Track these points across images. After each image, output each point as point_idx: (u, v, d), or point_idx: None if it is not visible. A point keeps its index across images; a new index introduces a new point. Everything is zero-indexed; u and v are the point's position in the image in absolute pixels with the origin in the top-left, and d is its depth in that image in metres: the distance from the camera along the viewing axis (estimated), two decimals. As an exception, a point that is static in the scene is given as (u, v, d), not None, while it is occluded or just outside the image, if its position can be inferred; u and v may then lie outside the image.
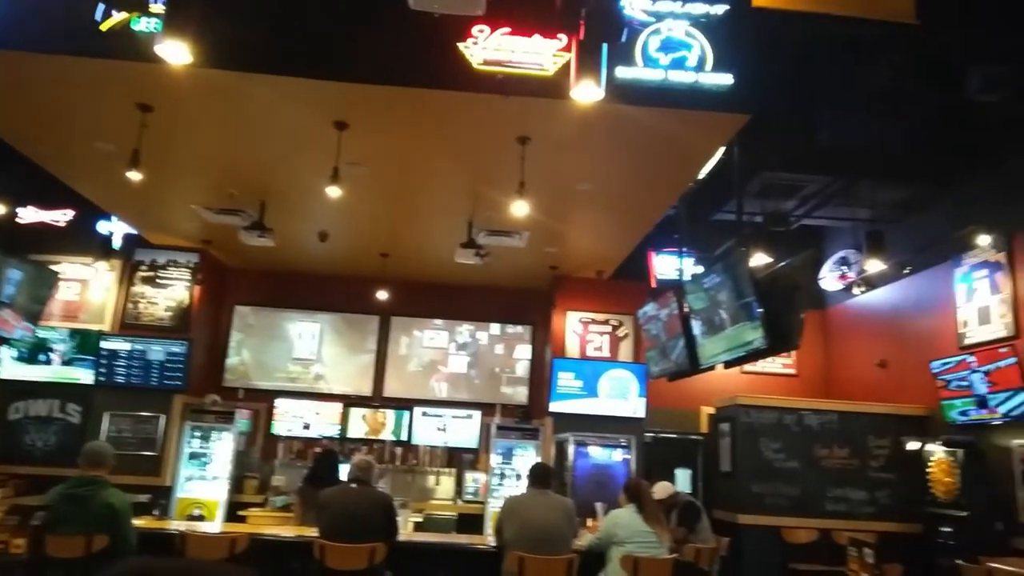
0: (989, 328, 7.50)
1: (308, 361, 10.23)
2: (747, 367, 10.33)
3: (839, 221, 9.48)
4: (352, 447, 9.16)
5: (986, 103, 5.60)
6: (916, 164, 7.77)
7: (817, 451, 8.38)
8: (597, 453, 8.65)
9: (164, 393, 8.83)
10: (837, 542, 7.66)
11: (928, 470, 7.63)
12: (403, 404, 9.86)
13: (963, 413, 7.63)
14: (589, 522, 6.52)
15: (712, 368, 6.76)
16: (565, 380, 9.24)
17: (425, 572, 5.56)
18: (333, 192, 5.80)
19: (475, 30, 5.03)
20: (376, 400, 10.01)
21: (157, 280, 9.29)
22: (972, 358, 7.46)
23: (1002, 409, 7.10)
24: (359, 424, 9.57)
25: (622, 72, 5.12)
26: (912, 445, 8.00)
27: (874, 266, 8.38)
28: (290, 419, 9.75)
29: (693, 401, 10.18)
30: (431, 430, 9.66)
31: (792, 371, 10.74)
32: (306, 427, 9.71)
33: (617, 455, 8.75)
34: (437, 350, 10.40)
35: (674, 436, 9.64)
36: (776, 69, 6.02)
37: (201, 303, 9.35)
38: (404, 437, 9.56)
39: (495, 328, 10.50)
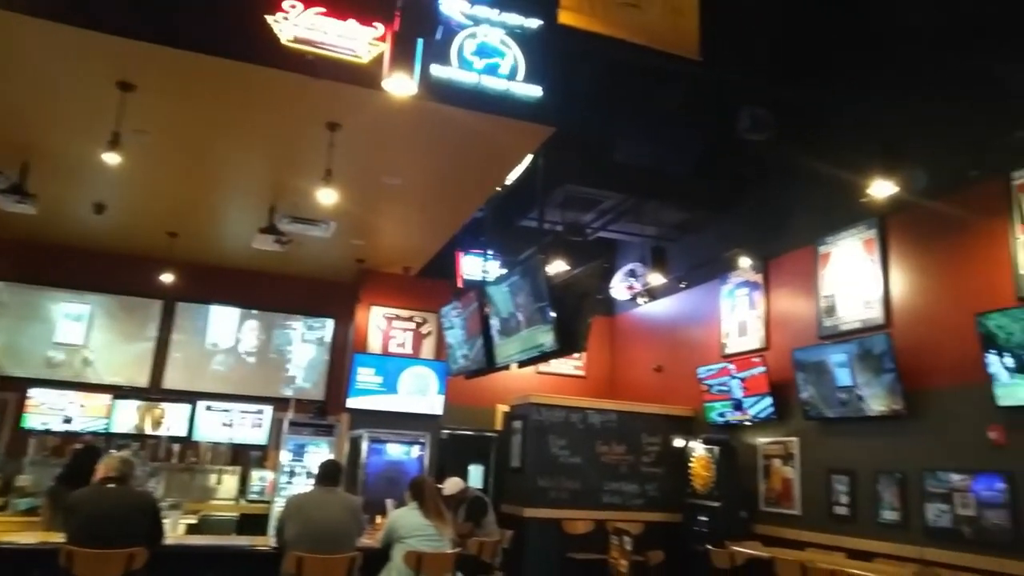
0: (746, 340, 8.53)
1: (73, 347, 9.15)
2: (541, 368, 10.85)
3: (630, 236, 10.27)
4: (122, 444, 8.31)
5: (754, 141, 6.37)
6: (695, 189, 8.63)
7: (598, 447, 8.99)
8: (392, 450, 8.60)
9: None
10: (610, 532, 8.27)
11: (690, 465, 8.49)
12: (185, 397, 9.15)
13: (721, 414, 8.59)
14: (379, 519, 6.47)
15: (507, 367, 7.00)
16: (365, 375, 9.09)
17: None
18: (111, 159, 5.24)
19: (286, 4, 4.81)
20: (154, 392, 9.18)
21: None
22: (731, 366, 8.42)
23: (752, 411, 8.10)
24: (130, 418, 8.72)
25: (437, 71, 5.15)
26: (678, 443, 8.87)
27: (656, 279, 9.19)
28: (46, 411, 8.65)
29: (490, 399, 10.48)
30: (215, 425, 9.06)
31: (582, 373, 11.45)
32: (67, 421, 8.67)
33: (413, 452, 8.77)
34: (227, 340, 9.77)
35: (470, 433, 9.86)
36: (581, 87, 6.41)
37: (-63, 274, 8.01)
38: (184, 433, 8.86)
39: (293, 320, 10.09)
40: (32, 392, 8.67)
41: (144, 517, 4.43)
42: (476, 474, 9.56)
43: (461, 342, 7.91)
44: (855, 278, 7.06)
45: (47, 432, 8.50)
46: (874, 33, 5.46)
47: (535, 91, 5.41)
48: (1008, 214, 5.67)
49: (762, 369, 7.92)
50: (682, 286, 9.35)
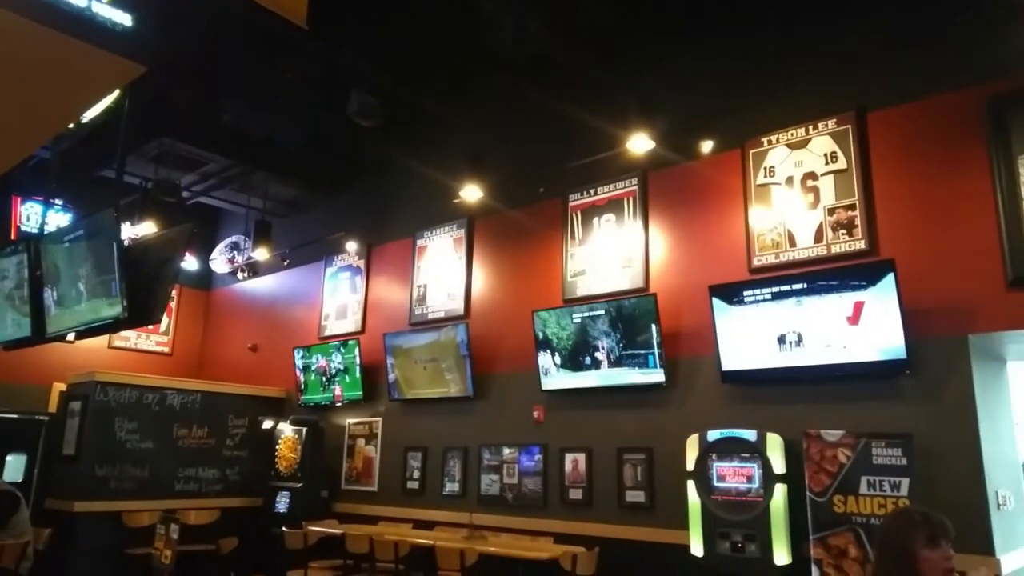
0: (345, 322, 8.67)
1: None
2: (116, 342, 9.61)
3: (235, 206, 9.65)
4: None
5: (365, 128, 6.47)
6: (307, 167, 8.48)
7: (177, 431, 8.24)
8: None
9: None
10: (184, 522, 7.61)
11: (277, 448, 8.30)
12: None
13: (313, 396, 8.58)
14: None
15: (62, 338, 5.95)
16: None
17: None
18: None
19: None
20: None
21: None
22: (328, 347, 8.44)
23: (342, 393, 8.25)
24: None
25: (-15, -40, 4.11)
26: (267, 424, 8.59)
27: (261, 254, 8.79)
28: None
29: (46, 376, 8.91)
30: None
31: (167, 350, 10.41)
32: None
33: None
34: None
35: (13, 416, 8.21)
36: (187, 32, 5.76)
37: None
38: None
39: None
40: None
41: None
42: (16, 465, 8.00)
43: (2, 304, 6.48)
44: (444, 271, 7.69)
45: None
46: (475, 48, 6.00)
47: (123, 18, 4.63)
48: (562, 230, 6.74)
49: (356, 351, 8.12)
50: (285, 264, 9.10)
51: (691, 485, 5.10)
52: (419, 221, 8.04)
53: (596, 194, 6.58)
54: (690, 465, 5.13)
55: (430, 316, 7.67)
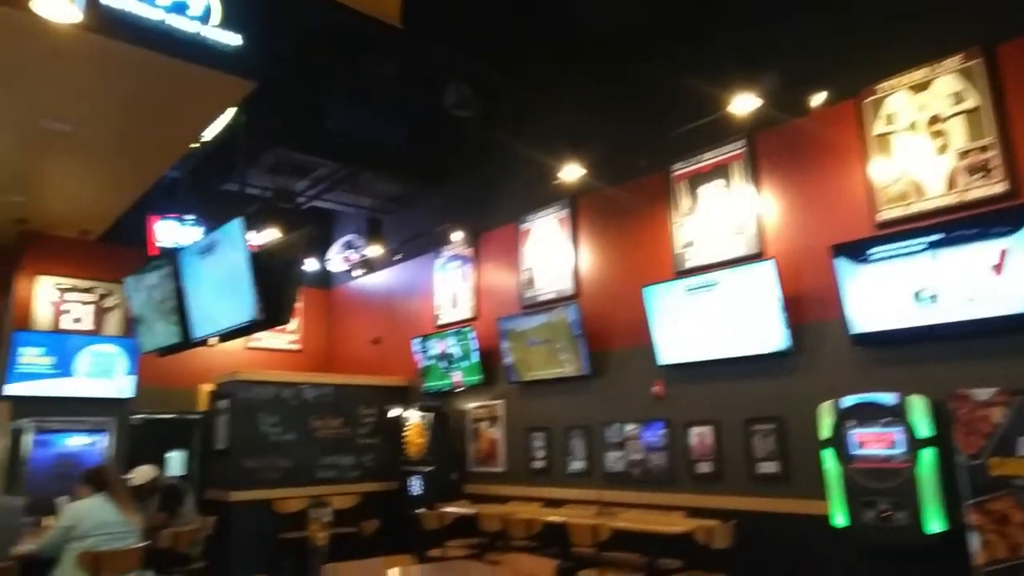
0: (457, 311, 8.88)
1: None
2: (251, 344, 10.27)
3: (346, 207, 10.07)
4: None
5: (464, 118, 6.58)
6: (410, 162, 8.71)
7: (313, 423, 8.75)
8: (67, 441, 7.50)
9: None
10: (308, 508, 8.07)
11: (405, 434, 8.66)
12: None
13: (434, 383, 8.87)
14: (47, 520, 5.62)
15: (204, 342, 6.45)
16: (30, 357, 7.78)
17: None
18: None
19: None
20: None
21: None
22: (445, 336, 8.71)
23: (462, 379, 8.48)
24: None
25: (111, 0, 4.47)
26: (393, 412, 8.98)
27: (374, 251, 9.14)
28: None
29: (193, 379, 9.67)
30: None
31: (298, 347, 11.03)
32: None
33: (95, 442, 7.74)
34: None
35: (169, 417, 8.98)
36: (290, 45, 6.05)
37: None
38: None
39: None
40: None
41: None
42: (177, 461, 8.75)
43: (152, 316, 7.08)
44: (551, 253, 7.71)
45: None
46: (567, 28, 5.95)
47: (233, 39, 4.97)
48: (668, 201, 6.59)
49: (472, 338, 8.31)
50: (396, 259, 9.42)
51: (828, 453, 4.91)
52: (522, 205, 8.09)
53: (701, 161, 6.39)
54: (825, 433, 4.94)
55: (540, 298, 7.73)
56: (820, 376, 5.37)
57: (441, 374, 8.78)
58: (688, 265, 6.33)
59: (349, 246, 9.80)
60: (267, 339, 10.58)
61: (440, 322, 9.07)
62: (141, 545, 4.70)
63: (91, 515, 4.56)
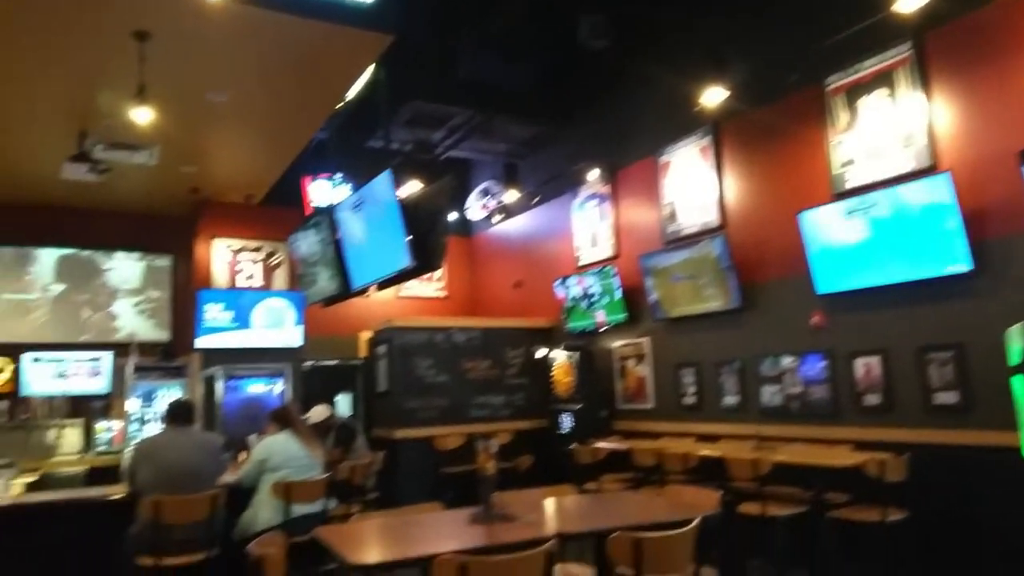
0: (597, 250, 8.83)
1: None
2: (403, 292, 10.77)
3: (481, 154, 10.19)
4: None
5: (597, 49, 6.39)
6: (542, 103, 8.62)
7: (464, 364, 9.13)
8: (251, 386, 8.30)
9: None
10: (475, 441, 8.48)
11: (552, 373, 8.83)
12: (7, 350, 8.27)
13: (578, 323, 8.94)
14: (241, 456, 6.27)
15: (365, 292, 6.85)
16: (214, 312, 8.61)
17: (44, 534, 4.80)
18: None
19: None
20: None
21: None
22: (585, 275, 8.72)
23: (606, 317, 8.48)
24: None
25: (256, -29, 4.70)
26: (540, 352, 9.16)
27: (511, 196, 9.23)
28: None
29: (353, 327, 10.30)
30: (47, 378, 8.29)
31: (444, 294, 11.47)
32: None
33: (273, 387, 8.51)
34: (50, 285, 8.86)
35: (334, 363, 9.69)
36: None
37: None
38: (9, 389, 8.06)
39: (126, 259, 9.27)
40: None
41: None
42: (344, 403, 9.47)
43: (315, 269, 7.61)
44: (693, 184, 7.43)
45: None
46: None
47: (367, -5, 5.09)
48: (823, 118, 6.12)
49: (614, 276, 8.26)
50: (534, 202, 9.45)
51: (1019, 380, 4.47)
52: (661, 137, 7.82)
53: (860, 71, 5.85)
54: (1015, 358, 4.49)
55: (684, 232, 7.51)
56: (1009, 297, 4.87)
57: (584, 314, 8.82)
58: (848, 186, 5.89)
59: (486, 193, 9.96)
60: (416, 288, 11.04)
61: (581, 263, 9.07)
62: (324, 476, 5.15)
63: (280, 450, 5.05)
